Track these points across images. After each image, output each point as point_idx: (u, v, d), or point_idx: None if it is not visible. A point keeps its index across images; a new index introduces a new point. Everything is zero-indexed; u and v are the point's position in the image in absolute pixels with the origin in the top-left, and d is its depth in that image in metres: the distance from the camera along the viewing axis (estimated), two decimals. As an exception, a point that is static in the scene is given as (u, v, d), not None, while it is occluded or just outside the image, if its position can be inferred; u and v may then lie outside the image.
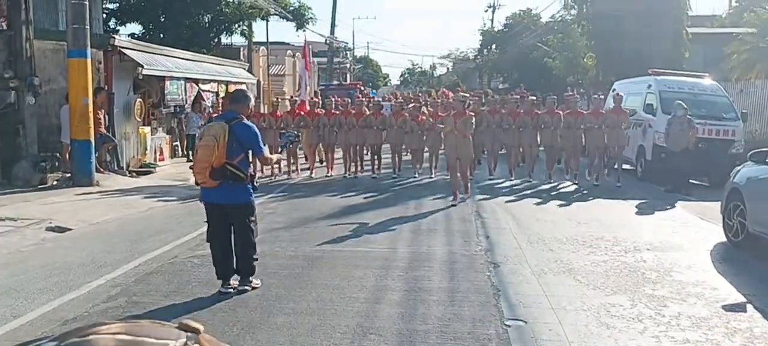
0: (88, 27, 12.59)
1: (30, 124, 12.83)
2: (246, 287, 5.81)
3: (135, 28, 28.83)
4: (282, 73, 38.19)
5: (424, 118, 13.81)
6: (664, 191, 12.33)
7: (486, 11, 62.16)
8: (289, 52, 38.94)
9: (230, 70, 21.49)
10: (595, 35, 28.23)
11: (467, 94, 13.37)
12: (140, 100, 15.37)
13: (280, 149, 9.61)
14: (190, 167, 7.36)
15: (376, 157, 14.31)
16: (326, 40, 45.86)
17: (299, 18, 30.07)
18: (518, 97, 15.80)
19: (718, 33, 28.84)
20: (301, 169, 14.55)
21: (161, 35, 25.66)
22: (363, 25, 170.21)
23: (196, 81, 17.51)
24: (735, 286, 6.24)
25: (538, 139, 13.88)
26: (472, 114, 11.12)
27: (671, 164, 12.62)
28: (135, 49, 14.83)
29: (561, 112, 13.59)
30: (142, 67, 14.23)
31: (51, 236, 8.55)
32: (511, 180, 13.64)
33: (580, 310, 5.40)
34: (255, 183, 6.11)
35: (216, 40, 28.81)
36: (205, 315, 5.21)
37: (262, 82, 31.38)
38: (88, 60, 12.56)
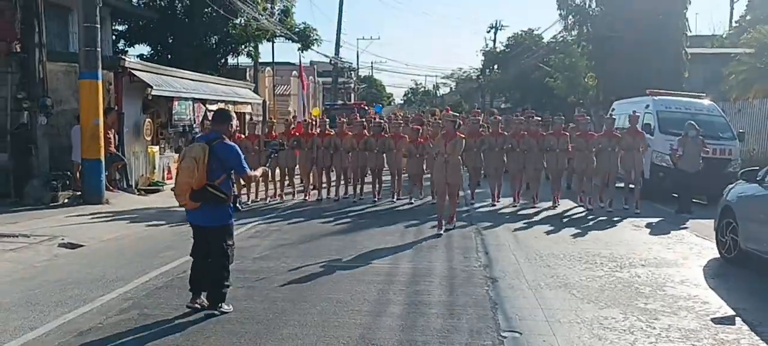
0: (99, 49, 12.95)
1: (42, 143, 13.13)
2: (214, 312, 5.76)
3: (143, 49, 29.22)
4: (287, 93, 38.65)
5: (424, 140, 13.30)
6: (674, 212, 12.36)
7: (488, 32, 62.66)
8: (294, 72, 39.37)
9: (236, 90, 21.86)
10: (596, 56, 28.64)
11: (457, 114, 12.81)
12: (149, 119, 15.69)
13: (267, 162, 9.09)
14: (172, 189, 7.25)
15: (377, 180, 13.74)
16: (331, 60, 46.29)
17: (304, 39, 30.47)
18: (523, 118, 14.97)
19: (718, 53, 29.21)
20: (298, 192, 14.35)
21: (169, 56, 26.08)
22: (367, 46, 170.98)
23: (204, 101, 17.83)
24: (725, 300, 6.45)
25: (544, 162, 13.09)
26: (463, 136, 10.30)
27: (678, 184, 12.79)
28: (144, 71, 15.18)
29: (568, 134, 13.03)
30: (152, 87, 14.58)
31: (63, 252, 8.81)
32: (515, 206, 12.88)
33: (574, 322, 5.63)
34: (239, 205, 6.02)
35: (223, 61, 29.21)
36: (213, 327, 5.46)
37: (267, 103, 31.82)
38: (99, 81, 12.91)
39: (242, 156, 5.87)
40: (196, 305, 5.85)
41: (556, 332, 5.34)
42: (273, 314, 5.82)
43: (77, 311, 5.93)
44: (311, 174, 14.30)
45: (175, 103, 16.09)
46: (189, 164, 5.63)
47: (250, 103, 23.40)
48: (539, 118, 14.94)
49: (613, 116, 13.61)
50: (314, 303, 6.15)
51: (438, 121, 14.48)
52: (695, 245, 9.33)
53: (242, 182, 10.84)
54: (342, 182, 13.94)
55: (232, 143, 5.87)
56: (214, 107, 18.88)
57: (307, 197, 13.98)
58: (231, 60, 30.81)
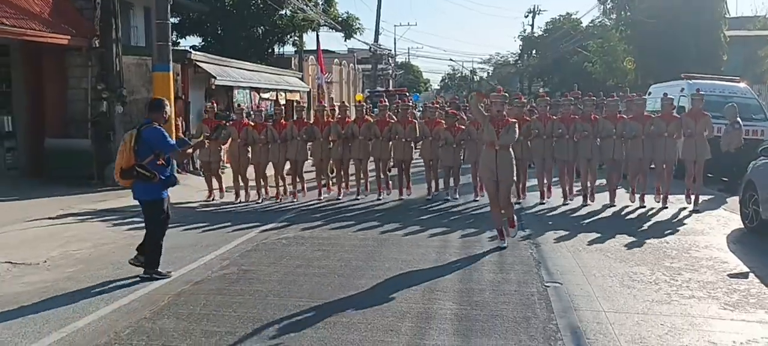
0: (170, 44, 14.19)
1: (118, 130, 14.42)
2: (146, 276, 6.55)
3: (195, 40, 30.76)
4: (330, 80, 39.78)
5: (463, 127, 11.80)
6: (718, 190, 12.87)
7: (526, 16, 62.87)
8: (336, 60, 40.53)
9: (287, 79, 23.04)
10: (634, 40, 28.97)
11: (507, 95, 9.27)
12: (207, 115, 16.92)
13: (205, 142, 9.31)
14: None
15: (405, 174, 12.22)
16: (370, 47, 47.30)
17: (347, 28, 31.54)
18: (572, 99, 12.62)
19: (758, 35, 29.28)
20: (308, 190, 12.58)
21: (219, 47, 27.40)
22: (404, 32, 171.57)
23: (258, 90, 19.05)
24: (742, 261, 7.33)
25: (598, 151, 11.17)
26: (515, 121, 8.24)
27: (723, 162, 12.73)
28: (208, 62, 16.44)
29: (625, 117, 11.07)
30: (215, 78, 15.81)
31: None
32: (568, 204, 11.17)
33: (607, 276, 6.59)
34: (167, 180, 6.67)
35: (269, 50, 30.46)
36: (302, 279, 6.56)
37: (311, 91, 33.01)
38: (171, 73, 14.16)
39: (167, 137, 6.61)
40: (136, 263, 6.76)
41: (591, 283, 6.32)
42: (350, 269, 6.90)
43: (186, 268, 7.08)
44: (327, 168, 12.58)
45: (235, 92, 17.31)
46: (120, 147, 6.55)
47: (299, 91, 24.55)
48: (594, 99, 12.53)
49: (702, 93, 11.29)
50: (383, 261, 7.23)
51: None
52: (722, 218, 10.14)
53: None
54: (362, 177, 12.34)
55: (158, 128, 6.58)
56: (267, 96, 20.16)
57: (329, 192, 12.56)
58: (277, 49, 32.13)
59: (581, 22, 47.44)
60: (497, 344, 4.78)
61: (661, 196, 11.03)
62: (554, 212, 10.66)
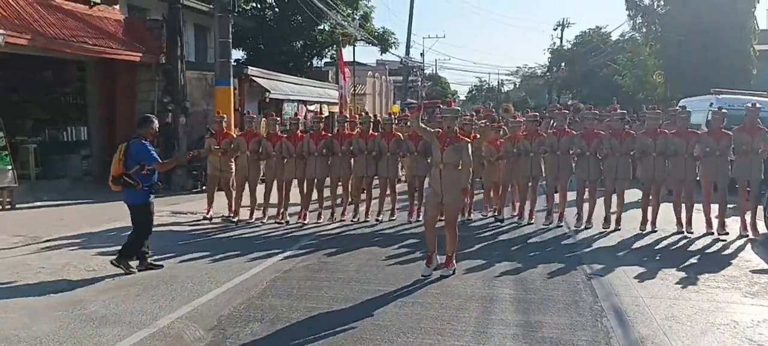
0: (232, 60, 15.41)
1: (182, 139, 15.71)
2: (117, 263, 7.36)
3: (238, 53, 32.17)
4: (363, 92, 41.00)
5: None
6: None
7: (555, 29, 63.42)
8: (369, 72, 41.73)
9: (328, 91, 24.18)
10: (664, 54, 29.60)
11: (457, 109, 8.91)
12: (264, 119, 18.13)
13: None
14: None
15: (416, 192, 11.01)
16: (402, 60, 48.45)
17: (383, 43, 32.75)
18: (596, 112, 12.04)
19: (789, 49, 29.75)
20: (309, 210, 11.02)
21: (261, 60, 28.72)
22: (432, 44, 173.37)
23: (305, 102, 20.22)
24: (764, 259, 8.19)
25: (633, 170, 10.21)
26: (467, 139, 7.52)
27: None
28: (261, 77, 17.65)
29: (667, 132, 10.05)
30: (269, 92, 17.00)
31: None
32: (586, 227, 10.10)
33: (642, 269, 7.52)
34: (151, 187, 7.51)
35: (309, 63, 31.76)
36: (373, 269, 7.58)
37: (348, 102, 34.20)
38: (231, 87, 15.37)
39: (151, 151, 7.43)
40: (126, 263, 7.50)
41: (628, 275, 7.25)
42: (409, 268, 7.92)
43: (271, 260, 8.12)
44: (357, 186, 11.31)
45: (285, 104, 18.48)
46: (114, 158, 7.47)
47: (338, 103, 25.69)
48: (624, 113, 11.36)
49: (758, 106, 10.11)
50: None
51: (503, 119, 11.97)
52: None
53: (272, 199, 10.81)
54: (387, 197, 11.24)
55: (144, 142, 7.41)
56: (312, 107, 21.32)
57: (343, 215, 11.11)
58: (315, 63, 33.46)
59: (610, 36, 48.09)
60: (553, 321, 5.74)
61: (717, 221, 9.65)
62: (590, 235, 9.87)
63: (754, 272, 7.54)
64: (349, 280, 7.11)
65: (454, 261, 7.40)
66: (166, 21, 15.76)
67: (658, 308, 6.06)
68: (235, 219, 10.88)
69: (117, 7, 16.31)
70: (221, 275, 7.36)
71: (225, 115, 12.01)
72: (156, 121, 7.96)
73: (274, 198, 11.07)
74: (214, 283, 7.01)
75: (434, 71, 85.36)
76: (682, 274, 7.39)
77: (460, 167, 7.13)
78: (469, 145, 7.38)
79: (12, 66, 13.52)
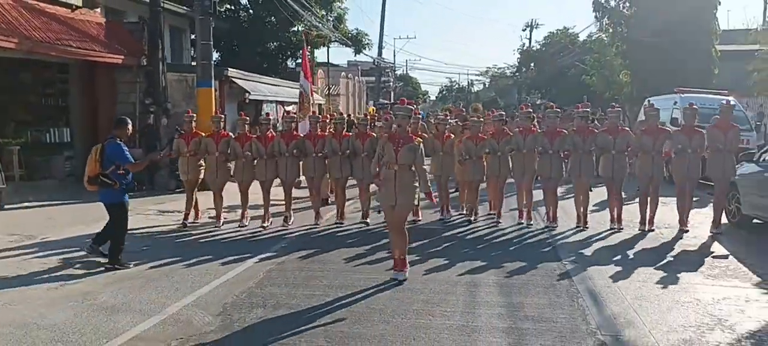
0: (212, 63, 15.70)
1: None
2: (110, 267, 7.63)
3: (213, 55, 32.31)
4: (337, 93, 41.41)
5: (449, 136, 11.14)
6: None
7: (524, 30, 64.58)
8: (342, 73, 42.15)
9: (312, 95, 24.44)
10: (630, 55, 30.47)
11: (410, 107, 7.66)
12: (242, 120, 18.42)
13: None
14: None
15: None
16: (374, 61, 49.00)
17: (357, 44, 33.20)
18: (558, 110, 11.61)
19: (747, 50, 30.93)
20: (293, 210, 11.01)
21: (235, 61, 28.94)
22: (403, 45, 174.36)
23: (283, 103, 20.56)
24: (725, 247, 8.84)
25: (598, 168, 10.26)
26: (419, 140, 7.17)
27: None
28: (242, 79, 17.95)
29: (629, 130, 10.50)
30: (249, 93, 17.33)
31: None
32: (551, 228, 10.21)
33: (613, 257, 8.10)
34: (127, 187, 7.81)
35: (283, 64, 32.05)
36: (342, 264, 8.03)
37: (322, 103, 34.58)
38: (212, 89, 15.65)
39: (125, 151, 7.69)
40: (100, 250, 7.92)
41: (600, 263, 7.82)
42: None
43: (266, 253, 8.51)
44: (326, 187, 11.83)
45: (264, 105, 18.82)
46: (88, 159, 7.72)
47: (316, 104, 26.08)
48: (588, 111, 11.09)
49: (731, 103, 10.50)
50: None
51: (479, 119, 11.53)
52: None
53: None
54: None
55: (119, 143, 7.68)
56: (289, 108, 21.63)
57: (319, 218, 10.83)
58: (290, 64, 33.73)
59: (578, 36, 49.19)
60: (533, 302, 6.25)
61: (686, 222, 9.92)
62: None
63: (715, 257, 8.19)
64: (341, 270, 7.55)
65: (408, 264, 7.26)
66: (148, 24, 16.00)
67: (628, 289, 6.63)
68: (188, 222, 10.63)
69: (98, 10, 16.48)
70: (218, 269, 7.73)
71: (194, 115, 11.37)
72: (130, 123, 8.21)
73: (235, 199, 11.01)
74: (212, 275, 7.39)
75: (405, 72, 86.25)
76: (650, 261, 7.98)
77: (412, 169, 6.93)
78: (421, 145, 7.05)
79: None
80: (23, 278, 7.24)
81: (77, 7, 15.36)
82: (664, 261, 7.94)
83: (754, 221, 10.00)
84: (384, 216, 7.77)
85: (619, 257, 8.17)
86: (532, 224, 10.39)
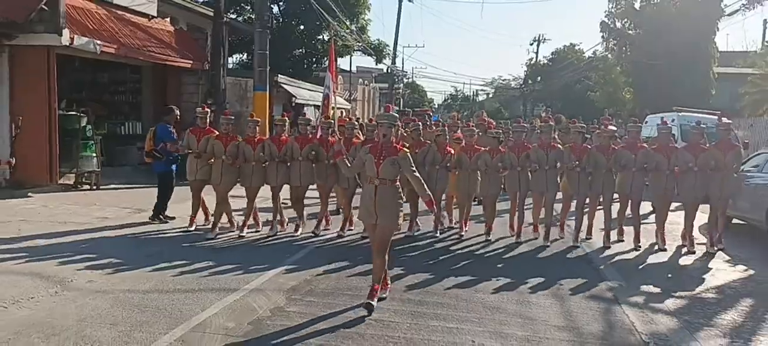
0: (268, 69, 17.87)
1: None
2: (156, 217, 10.51)
3: (241, 57, 34.55)
4: (355, 98, 43.60)
5: (450, 148, 10.36)
6: None
7: (531, 44, 66.68)
8: (361, 80, 44.31)
9: (337, 97, 26.67)
10: (634, 74, 32.56)
11: (394, 115, 6.95)
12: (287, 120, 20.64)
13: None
14: None
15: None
16: (388, 69, 51.12)
17: (379, 53, 35.38)
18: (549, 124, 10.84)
19: (743, 73, 33.08)
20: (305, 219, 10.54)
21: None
22: (412, 53, 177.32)
23: (318, 106, 22.71)
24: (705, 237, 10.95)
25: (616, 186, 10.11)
26: (406, 151, 6.35)
27: None
28: (288, 84, 20.16)
29: (646, 146, 10.15)
30: (296, 97, 19.50)
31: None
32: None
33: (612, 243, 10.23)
34: (172, 158, 10.48)
35: (308, 70, 34.24)
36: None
37: (347, 107, 36.70)
38: (267, 93, 17.83)
39: (171, 133, 10.36)
40: (160, 217, 10.63)
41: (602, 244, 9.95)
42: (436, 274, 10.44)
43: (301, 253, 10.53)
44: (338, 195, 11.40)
45: (305, 108, 20.99)
46: (146, 138, 10.70)
47: (343, 109, 28.25)
48: (524, 125, 11.37)
49: (728, 121, 10.13)
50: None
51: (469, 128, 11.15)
52: (701, 219, 13.39)
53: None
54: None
55: (166, 126, 10.42)
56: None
57: (325, 226, 10.51)
58: (314, 70, 35.94)
59: (584, 53, 51.34)
60: (550, 276, 8.38)
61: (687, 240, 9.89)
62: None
63: (697, 244, 10.27)
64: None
65: (385, 290, 6.63)
66: (212, 34, 18.19)
67: (625, 260, 8.79)
68: (192, 228, 10.11)
69: (167, 19, 18.66)
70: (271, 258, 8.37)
71: (259, 120, 10.82)
72: (177, 110, 11.04)
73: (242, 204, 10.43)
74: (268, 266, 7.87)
75: (411, 79, 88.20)
76: (644, 244, 10.08)
77: (397, 183, 6.33)
78: (409, 156, 6.34)
79: (78, 70, 15.82)
80: (167, 241, 9.37)
81: (153, 17, 17.53)
82: (654, 246, 10.02)
83: (734, 220, 12.14)
84: (368, 235, 7.00)
85: (617, 243, 10.28)
86: (563, 236, 10.49)
